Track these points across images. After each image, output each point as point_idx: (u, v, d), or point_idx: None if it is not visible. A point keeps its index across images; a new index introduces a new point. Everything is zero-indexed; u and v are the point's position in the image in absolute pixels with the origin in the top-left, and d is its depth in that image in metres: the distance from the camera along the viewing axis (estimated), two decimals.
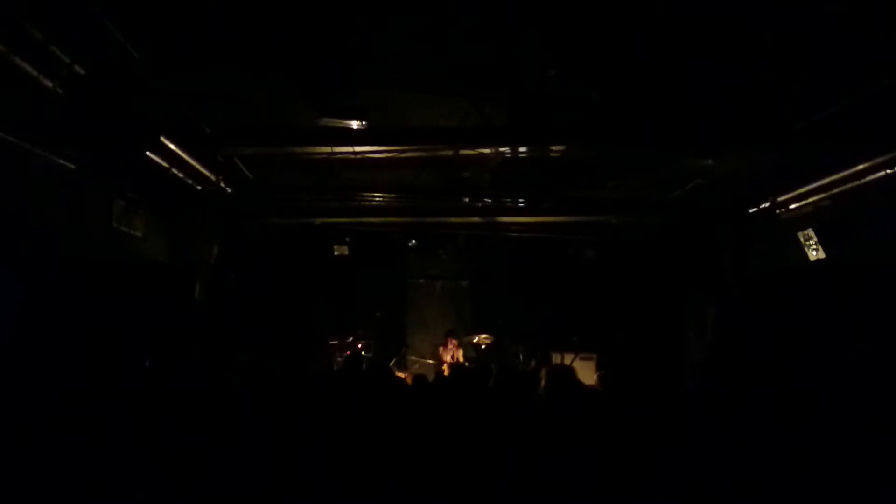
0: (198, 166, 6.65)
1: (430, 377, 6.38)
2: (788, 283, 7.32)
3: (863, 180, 6.04)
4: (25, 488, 3.02)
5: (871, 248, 6.13)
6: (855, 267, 6.21)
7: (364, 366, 6.93)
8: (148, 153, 5.83)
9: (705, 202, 8.07)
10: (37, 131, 4.81)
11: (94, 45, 4.23)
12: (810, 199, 7.01)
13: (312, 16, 3.98)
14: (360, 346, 9.88)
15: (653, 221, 9.25)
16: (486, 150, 6.08)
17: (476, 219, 8.99)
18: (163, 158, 6.10)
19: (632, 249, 10.33)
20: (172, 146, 5.93)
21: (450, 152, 6.10)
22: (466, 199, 8.25)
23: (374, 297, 10.81)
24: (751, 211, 8.11)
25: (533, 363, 8.95)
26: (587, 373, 8.83)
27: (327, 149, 5.95)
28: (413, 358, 10.31)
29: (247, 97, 5.14)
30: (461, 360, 9.65)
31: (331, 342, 9.93)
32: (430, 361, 9.76)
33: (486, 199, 8.21)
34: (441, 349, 9.74)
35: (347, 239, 9.97)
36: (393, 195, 8.15)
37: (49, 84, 4.40)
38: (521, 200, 8.30)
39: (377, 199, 8.25)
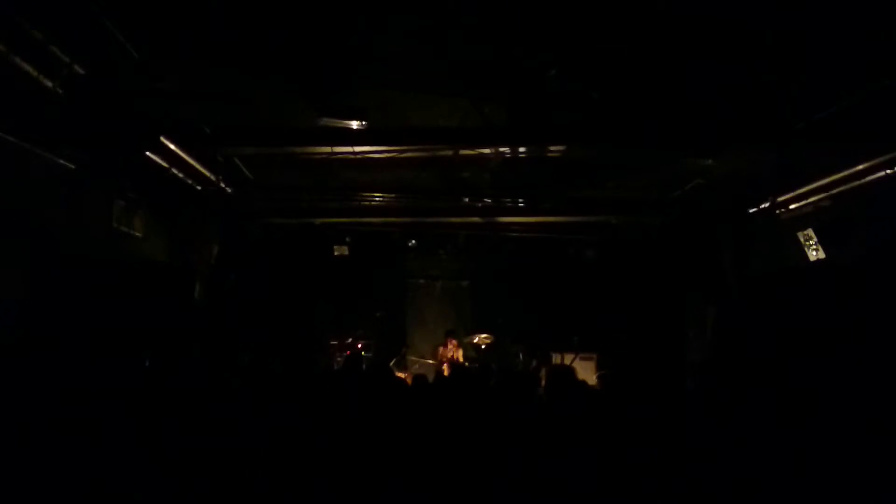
0: (198, 166, 6.65)
1: (430, 377, 6.38)
2: (788, 283, 7.32)
3: (863, 180, 6.04)
4: (25, 488, 3.02)
5: (871, 248, 6.13)
6: (855, 267, 6.21)
7: (364, 366, 6.93)
8: (148, 153, 5.83)
9: (705, 202, 8.07)
10: (37, 131, 4.81)
11: (94, 45, 4.23)
12: (810, 199, 7.01)
13: (312, 16, 3.98)
14: (360, 346, 9.88)
15: (653, 221, 9.25)
16: (486, 150, 6.08)
17: (476, 219, 8.99)
18: (163, 158, 6.10)
19: (632, 249, 10.33)
20: (172, 146, 5.93)
21: (450, 152, 6.10)
22: (466, 199, 8.25)
23: (374, 297, 10.82)
24: (751, 211, 8.11)
25: (534, 363, 8.95)
26: (587, 373, 8.83)
27: (327, 149, 5.95)
28: (413, 358, 10.31)
29: (247, 97, 5.14)
30: (461, 360, 9.66)
31: (331, 342, 9.94)
32: (430, 361, 9.76)
33: (486, 199, 8.22)
34: (441, 349, 9.75)
35: (347, 239, 9.97)
36: (393, 195, 8.15)
37: (49, 84, 4.40)
38: (520, 200, 8.30)
39: (377, 199, 8.25)
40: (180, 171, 6.58)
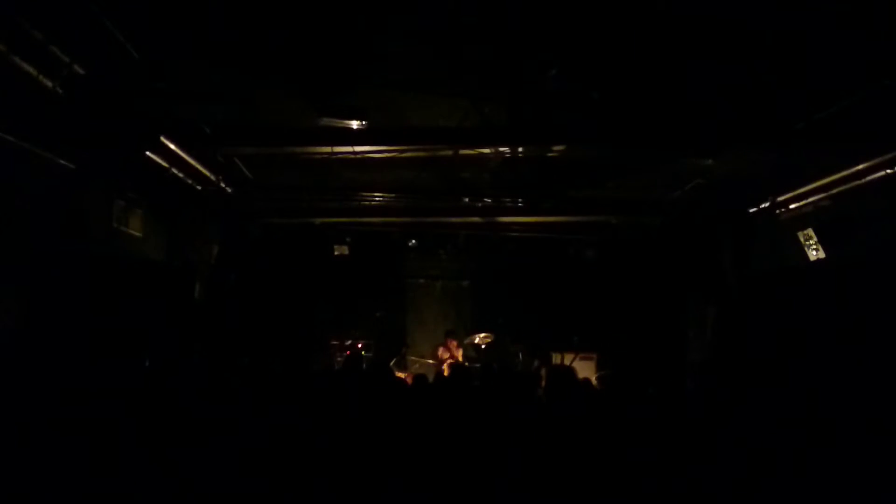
0: (198, 166, 6.65)
1: (430, 377, 6.38)
2: (788, 283, 7.33)
3: (863, 180, 6.03)
4: (25, 488, 3.02)
5: (871, 248, 6.13)
6: (855, 267, 6.21)
7: (364, 366, 6.93)
8: (148, 153, 5.82)
9: (705, 202, 8.07)
10: (37, 131, 4.81)
11: (94, 45, 4.23)
12: (810, 199, 7.01)
13: (312, 16, 3.98)
14: (360, 346, 9.88)
15: (653, 221, 9.25)
16: (486, 150, 6.07)
17: (476, 219, 8.99)
18: (163, 158, 6.10)
19: (632, 249, 10.33)
20: (172, 146, 5.93)
21: (450, 152, 6.10)
22: (466, 199, 8.25)
23: (374, 297, 10.81)
24: (751, 211, 8.11)
25: (535, 363, 8.95)
26: (587, 373, 8.83)
27: (327, 149, 5.95)
28: (413, 358, 10.31)
29: (247, 97, 5.14)
30: (461, 360, 9.66)
31: (331, 342, 9.94)
32: (430, 361, 9.76)
33: (486, 199, 8.21)
34: (441, 349, 9.75)
35: (347, 239, 9.97)
36: (393, 195, 8.15)
37: (49, 84, 4.40)
38: (520, 200, 8.30)
39: (377, 199, 8.25)
40: (180, 171, 6.58)
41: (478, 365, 8.96)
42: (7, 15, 3.77)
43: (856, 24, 3.83)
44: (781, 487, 3.12)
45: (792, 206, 7.40)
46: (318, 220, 9.45)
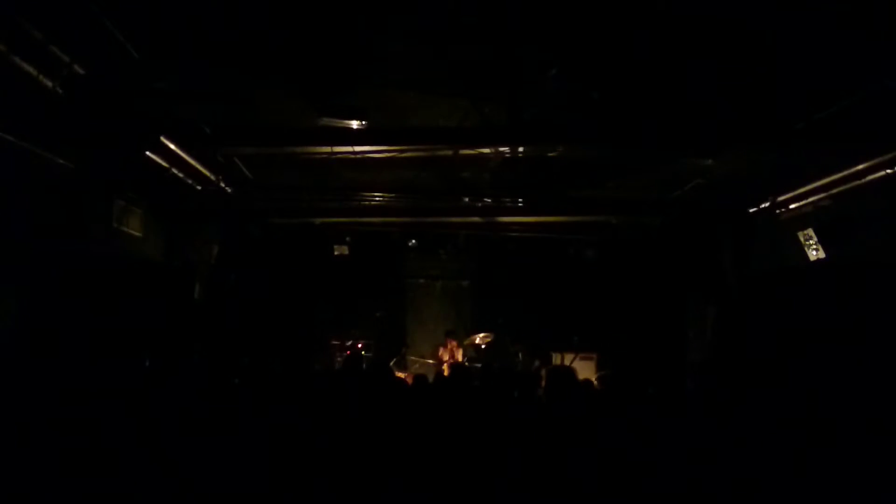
0: (198, 166, 6.65)
1: (430, 377, 6.38)
2: (788, 283, 7.33)
3: (863, 180, 6.04)
4: (25, 488, 3.02)
5: (871, 248, 6.13)
6: (855, 267, 6.21)
7: (364, 366, 6.93)
8: (148, 153, 5.82)
9: (705, 202, 8.07)
10: (37, 131, 4.81)
11: (94, 45, 4.23)
12: (810, 199, 7.01)
13: (312, 16, 3.98)
14: (360, 346, 9.88)
15: (653, 221, 9.25)
16: (486, 150, 6.07)
17: (476, 219, 8.99)
18: (163, 158, 6.10)
19: (632, 249, 10.33)
20: (172, 146, 5.93)
21: (450, 152, 6.10)
22: (466, 199, 8.25)
23: (374, 297, 10.82)
24: (751, 211, 8.11)
25: (536, 363, 8.95)
26: (587, 373, 8.83)
27: (327, 149, 5.95)
28: (413, 358, 10.31)
29: (247, 97, 5.14)
30: (461, 360, 9.66)
31: (332, 342, 9.94)
32: (430, 361, 9.76)
33: (486, 199, 8.21)
34: (441, 349, 9.75)
35: (347, 239, 9.97)
36: (393, 195, 8.15)
37: (49, 84, 4.40)
38: (520, 200, 8.30)
39: (377, 199, 8.25)
40: (180, 171, 6.58)
41: (478, 365, 8.96)
42: (7, 15, 3.77)
43: (856, 24, 3.83)
44: (781, 487, 3.12)
45: (792, 206, 7.40)
46: (318, 220, 9.46)
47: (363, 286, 10.87)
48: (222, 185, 7.34)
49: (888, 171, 5.65)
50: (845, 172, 6.15)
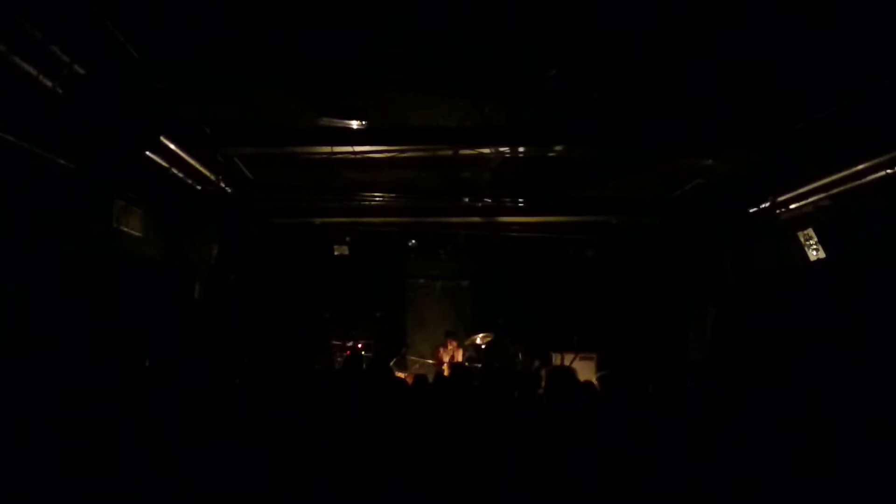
0: (198, 166, 6.65)
1: (430, 377, 6.38)
2: (788, 283, 7.33)
3: (863, 180, 6.03)
4: (25, 488, 3.02)
5: (871, 248, 6.13)
6: (855, 267, 6.21)
7: (364, 366, 6.93)
8: (148, 153, 5.82)
9: (705, 202, 8.07)
10: (37, 131, 4.81)
11: (94, 45, 4.23)
12: (810, 199, 7.01)
13: (312, 16, 3.98)
14: (360, 346, 9.89)
15: (653, 221, 9.25)
16: (486, 150, 6.07)
17: (476, 219, 8.99)
18: (163, 158, 6.10)
19: (632, 249, 10.33)
20: (172, 146, 5.93)
21: (450, 152, 6.10)
22: (466, 199, 8.25)
23: (374, 297, 10.82)
24: (751, 211, 8.11)
25: (536, 363, 8.95)
26: (587, 373, 8.83)
27: (327, 149, 5.95)
28: (413, 358, 10.31)
29: (247, 97, 5.14)
30: (461, 360, 9.66)
31: (332, 342, 9.94)
32: (430, 361, 9.76)
33: (486, 199, 8.21)
34: (441, 350, 9.75)
35: (347, 239, 9.97)
36: (393, 195, 8.15)
37: (49, 84, 4.40)
38: (520, 200, 8.30)
39: (377, 199, 8.26)
40: (180, 171, 6.58)
41: (478, 365, 8.96)
42: (7, 15, 3.76)
43: (856, 24, 3.83)
44: (781, 487, 3.12)
45: (792, 206, 7.40)
46: (318, 220, 9.46)
47: (363, 286, 10.87)
48: (222, 185, 7.34)
49: (888, 171, 5.65)
50: (845, 172, 6.15)
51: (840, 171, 6.19)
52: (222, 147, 6.22)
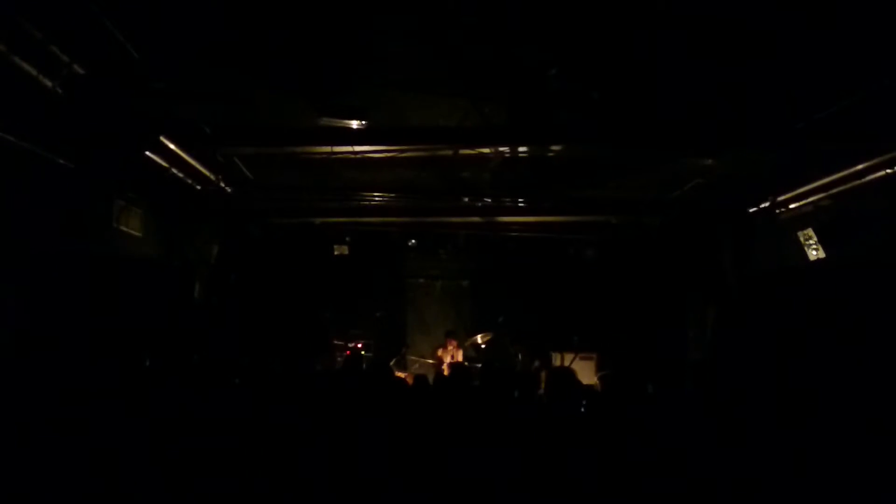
0: (198, 166, 6.66)
1: (431, 377, 6.38)
2: (788, 283, 7.33)
3: (863, 180, 6.03)
4: (25, 488, 3.02)
5: (871, 248, 6.13)
6: (855, 267, 6.21)
7: (364, 366, 6.93)
8: (148, 153, 5.82)
9: (705, 202, 8.07)
10: (37, 131, 4.81)
11: (94, 45, 4.23)
12: (810, 199, 7.01)
13: (312, 16, 3.98)
14: (360, 346, 9.89)
15: (653, 221, 9.25)
16: (486, 150, 6.07)
17: (476, 219, 8.99)
18: (163, 158, 6.10)
19: (632, 249, 10.33)
20: (172, 146, 5.93)
21: (450, 152, 6.10)
22: (466, 199, 8.25)
23: (374, 297, 10.82)
24: (751, 211, 8.11)
25: (536, 363, 8.95)
26: (587, 373, 8.83)
27: (327, 149, 5.95)
28: (413, 358, 10.31)
29: (247, 97, 5.14)
30: (461, 360, 9.66)
31: (334, 342, 9.94)
32: (430, 361, 9.76)
33: (486, 199, 8.21)
34: (441, 350, 9.75)
35: (347, 239, 9.97)
36: (393, 195, 8.15)
37: (49, 84, 4.40)
38: (520, 200, 8.30)
39: (377, 198, 8.25)
40: (180, 171, 6.58)
41: (478, 365, 8.96)
42: (7, 15, 3.76)
43: (856, 24, 3.83)
44: (781, 487, 3.12)
45: (792, 206, 7.40)
46: (318, 220, 9.45)
47: (363, 286, 10.87)
48: (222, 185, 7.34)
49: (888, 171, 5.65)
50: (845, 172, 6.14)
51: (840, 171, 6.19)
52: (222, 147, 6.22)
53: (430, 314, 11.36)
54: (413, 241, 10.47)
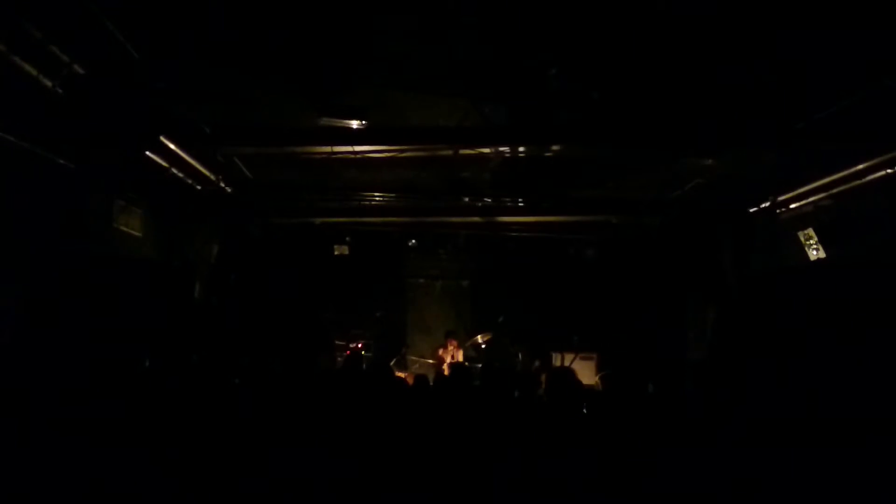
0: (198, 166, 6.66)
1: (431, 377, 6.38)
2: (788, 283, 7.33)
3: (863, 180, 6.04)
4: (25, 488, 3.02)
5: (871, 248, 6.13)
6: (855, 267, 6.21)
7: (364, 366, 6.93)
8: (148, 153, 5.83)
9: (705, 202, 8.07)
10: (37, 131, 4.81)
11: (94, 45, 4.23)
12: (810, 199, 7.01)
13: (312, 16, 3.98)
14: (359, 346, 9.89)
15: (653, 221, 9.25)
16: (486, 150, 6.08)
17: (476, 219, 8.99)
18: (163, 158, 6.11)
19: (632, 249, 10.33)
20: (172, 146, 5.93)
21: (450, 152, 6.10)
22: (466, 199, 8.25)
23: (374, 297, 10.81)
24: (751, 211, 8.11)
25: (535, 363, 8.95)
26: (587, 373, 8.83)
27: (327, 148, 5.95)
28: (413, 358, 10.31)
29: (247, 97, 5.14)
30: (461, 360, 9.66)
31: (335, 342, 9.95)
32: (430, 361, 9.76)
33: (486, 199, 8.21)
34: (441, 350, 9.75)
35: (347, 239, 9.97)
36: (393, 195, 8.16)
37: (49, 84, 4.40)
38: (520, 200, 8.30)
39: (377, 198, 8.26)
40: (180, 170, 6.58)
41: (478, 365, 8.96)
42: (7, 15, 3.76)
43: (856, 24, 3.83)
44: (781, 487, 3.12)
45: (792, 206, 7.40)
46: (318, 220, 9.45)
47: (363, 286, 10.87)
48: (222, 185, 7.34)
49: (888, 170, 5.65)
50: (845, 172, 6.15)
51: (840, 171, 6.19)
52: (222, 147, 6.23)
53: (430, 314, 11.35)
54: (413, 241, 10.47)
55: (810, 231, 7.10)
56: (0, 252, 4.67)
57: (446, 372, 8.97)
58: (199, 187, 7.16)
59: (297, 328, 9.94)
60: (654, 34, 4.08)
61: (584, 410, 4.09)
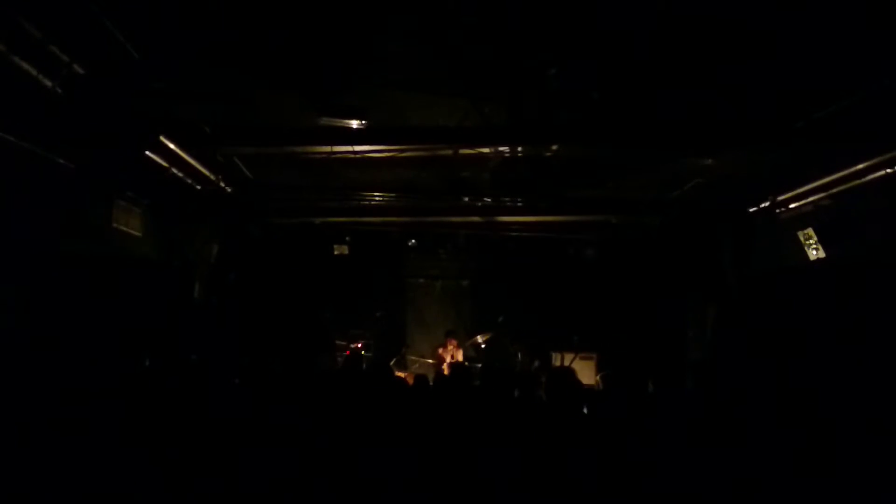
0: (198, 166, 6.66)
1: (431, 377, 6.38)
2: (788, 283, 7.33)
3: (863, 180, 6.03)
4: (25, 488, 3.02)
5: (871, 248, 6.13)
6: (855, 267, 6.21)
7: (364, 366, 6.93)
8: (148, 153, 5.82)
9: (705, 202, 8.07)
10: (37, 131, 4.81)
11: (94, 45, 4.23)
12: (810, 199, 7.01)
13: (312, 16, 3.98)
14: (359, 346, 9.89)
15: (653, 221, 9.25)
16: (486, 150, 6.08)
17: (476, 218, 8.99)
18: (163, 158, 6.10)
19: (632, 249, 10.33)
20: (172, 146, 5.93)
21: (450, 152, 6.10)
22: (466, 199, 8.25)
23: (374, 297, 10.82)
24: (751, 211, 8.11)
25: (535, 363, 8.95)
26: (587, 373, 8.84)
27: (327, 148, 5.95)
28: (413, 358, 10.31)
29: (247, 97, 5.14)
30: (461, 360, 9.66)
31: (336, 342, 9.95)
32: (430, 361, 9.76)
33: (485, 199, 8.21)
34: (441, 350, 9.75)
35: (347, 239, 9.97)
36: (393, 195, 8.15)
37: (49, 84, 4.40)
38: (520, 200, 8.30)
39: (377, 198, 8.26)
40: (180, 170, 6.58)
41: (478, 365, 8.97)
42: (7, 15, 3.76)
43: (856, 24, 3.83)
44: (782, 487, 3.12)
45: (792, 206, 7.40)
46: (318, 220, 9.46)
47: (363, 286, 10.87)
48: (222, 185, 7.34)
49: (888, 170, 5.64)
50: (845, 172, 6.14)
51: (840, 170, 6.19)
52: (222, 147, 6.22)
53: (430, 314, 11.35)
54: (413, 241, 10.47)
55: (810, 231, 7.10)
56: (0, 252, 4.66)
57: (446, 372, 8.97)
58: (199, 187, 7.15)
59: (297, 328, 9.94)
60: (653, 34, 4.08)
61: (584, 410, 4.09)
